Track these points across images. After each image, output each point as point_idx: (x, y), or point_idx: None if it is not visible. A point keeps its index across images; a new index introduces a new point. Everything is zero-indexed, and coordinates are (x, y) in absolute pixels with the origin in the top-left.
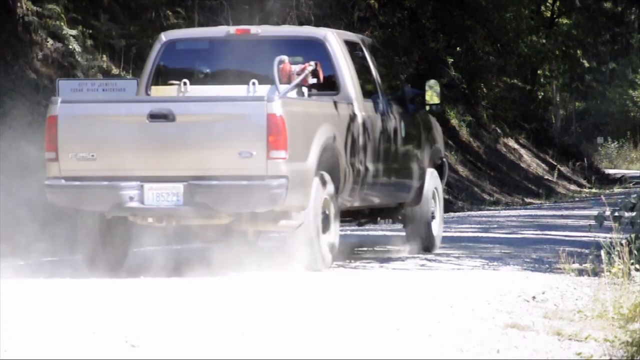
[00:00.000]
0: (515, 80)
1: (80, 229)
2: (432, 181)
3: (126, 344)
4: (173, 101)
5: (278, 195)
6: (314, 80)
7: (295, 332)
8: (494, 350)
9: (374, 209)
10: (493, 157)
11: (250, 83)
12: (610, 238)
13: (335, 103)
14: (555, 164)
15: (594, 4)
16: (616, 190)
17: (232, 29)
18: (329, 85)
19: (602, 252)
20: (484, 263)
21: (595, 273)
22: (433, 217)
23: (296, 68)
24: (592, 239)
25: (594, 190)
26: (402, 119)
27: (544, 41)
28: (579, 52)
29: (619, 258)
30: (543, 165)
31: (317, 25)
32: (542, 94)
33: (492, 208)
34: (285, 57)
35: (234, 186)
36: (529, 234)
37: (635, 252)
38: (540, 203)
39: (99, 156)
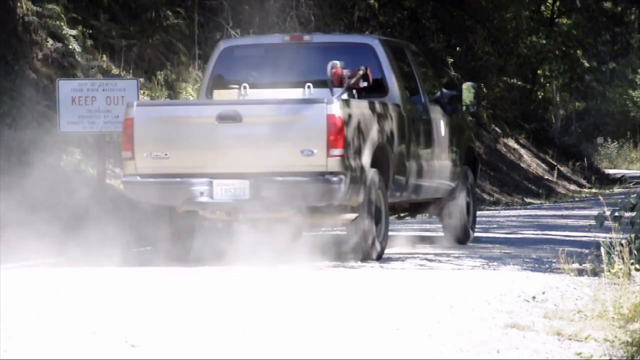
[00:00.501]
0: (515, 80)
1: (152, 223)
2: (467, 177)
3: (126, 344)
4: (240, 104)
5: (337, 191)
6: (365, 84)
7: (296, 332)
8: (494, 350)
9: (413, 204)
10: (493, 157)
11: (306, 86)
12: (610, 238)
13: (384, 105)
14: (555, 164)
15: (594, 4)
16: (616, 190)
17: (286, 37)
18: (375, 88)
19: (602, 252)
20: (484, 263)
21: (595, 273)
22: (468, 211)
23: (347, 72)
24: (592, 239)
25: (594, 190)
26: (442, 119)
27: (544, 41)
28: (579, 52)
29: (619, 258)
30: (543, 165)
31: (316, 25)
32: (542, 94)
33: (492, 208)
34: (337, 62)
35: (297, 182)
36: (529, 234)
37: (635, 252)
38: (540, 203)
39: (172, 155)
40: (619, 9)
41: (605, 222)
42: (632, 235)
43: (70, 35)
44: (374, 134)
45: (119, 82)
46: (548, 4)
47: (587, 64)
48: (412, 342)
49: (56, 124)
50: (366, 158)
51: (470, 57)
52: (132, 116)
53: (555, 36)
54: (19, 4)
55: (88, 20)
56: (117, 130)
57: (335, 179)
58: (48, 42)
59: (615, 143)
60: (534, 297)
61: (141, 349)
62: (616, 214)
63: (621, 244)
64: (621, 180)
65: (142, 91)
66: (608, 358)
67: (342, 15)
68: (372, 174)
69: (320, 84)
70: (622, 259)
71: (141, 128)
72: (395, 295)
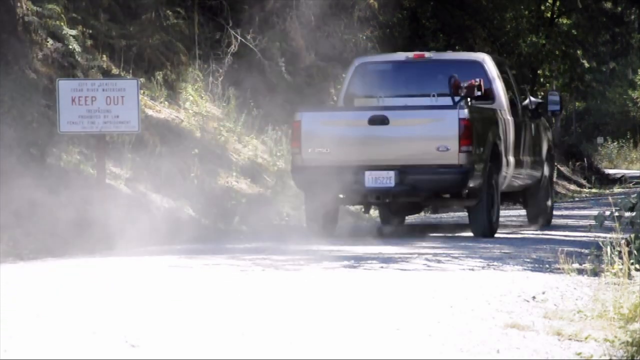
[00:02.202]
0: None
1: (309, 206)
2: (548, 170)
3: (126, 344)
4: (387, 109)
5: (466, 180)
6: (478, 93)
7: (296, 332)
8: (494, 350)
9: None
10: None
11: (431, 95)
12: (610, 238)
13: (494, 110)
14: (555, 163)
15: (593, 4)
16: (616, 190)
17: (410, 54)
18: (484, 96)
19: (606, 251)
20: (484, 263)
21: (595, 273)
22: (548, 199)
23: (464, 83)
24: (592, 239)
25: (594, 190)
26: (531, 121)
27: (544, 41)
28: (579, 52)
29: (619, 258)
30: None
31: (316, 24)
32: (542, 94)
33: None
34: (455, 75)
35: (434, 172)
36: (529, 234)
37: (635, 252)
38: None
39: (332, 150)
40: (619, 9)
41: (606, 222)
42: (632, 235)
43: (70, 35)
44: (490, 134)
45: (119, 82)
46: (548, 4)
47: (587, 64)
48: (412, 342)
49: (56, 124)
50: (487, 153)
51: None
52: (299, 119)
53: (555, 36)
54: (19, 4)
55: (88, 20)
56: (117, 130)
57: (465, 170)
58: (48, 42)
59: (615, 143)
60: (534, 297)
61: (141, 349)
62: (616, 213)
63: (620, 244)
64: (621, 180)
65: (142, 91)
66: (608, 358)
67: (342, 15)
68: (490, 166)
69: (439, 93)
70: (622, 259)
71: (307, 129)
72: (395, 295)
